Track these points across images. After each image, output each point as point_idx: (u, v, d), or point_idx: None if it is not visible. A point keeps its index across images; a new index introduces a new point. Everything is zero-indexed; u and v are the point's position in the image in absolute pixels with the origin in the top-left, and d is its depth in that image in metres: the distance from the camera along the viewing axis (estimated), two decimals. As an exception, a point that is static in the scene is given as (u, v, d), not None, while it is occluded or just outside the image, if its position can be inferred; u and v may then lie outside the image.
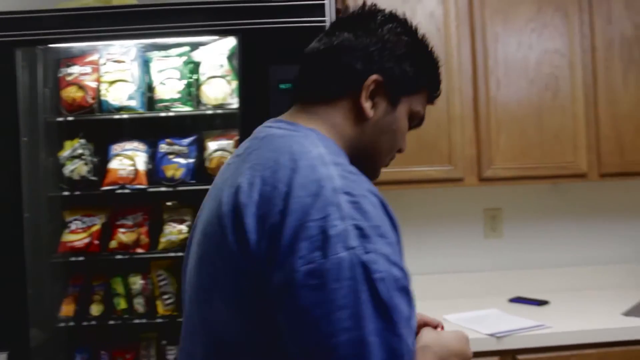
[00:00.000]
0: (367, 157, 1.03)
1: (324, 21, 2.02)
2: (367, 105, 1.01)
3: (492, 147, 2.45)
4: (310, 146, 0.92)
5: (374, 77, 1.00)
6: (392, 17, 1.08)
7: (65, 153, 2.27)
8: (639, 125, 2.54)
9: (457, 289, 2.76)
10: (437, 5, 2.45)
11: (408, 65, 1.04)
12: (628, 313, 2.32)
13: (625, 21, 2.56)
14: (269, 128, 1.02)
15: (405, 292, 0.85)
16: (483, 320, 2.27)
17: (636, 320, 2.22)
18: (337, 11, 2.22)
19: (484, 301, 2.65)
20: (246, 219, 0.85)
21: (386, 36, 1.04)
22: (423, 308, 2.63)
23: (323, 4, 2.05)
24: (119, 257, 2.24)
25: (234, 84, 2.22)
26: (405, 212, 2.76)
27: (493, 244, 2.83)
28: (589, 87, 2.54)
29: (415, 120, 1.11)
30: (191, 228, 1.11)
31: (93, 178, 2.27)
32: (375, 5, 1.10)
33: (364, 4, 1.10)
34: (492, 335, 2.07)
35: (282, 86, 2.02)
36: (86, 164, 2.27)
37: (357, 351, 0.77)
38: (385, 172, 2.39)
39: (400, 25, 1.07)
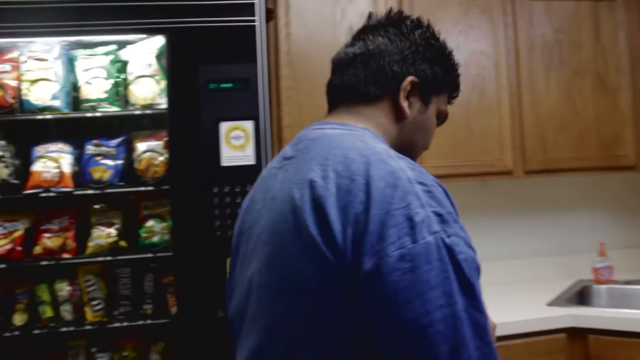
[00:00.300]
0: (405, 152, 1.03)
1: (253, 20, 2.01)
2: (405, 104, 1.08)
3: (423, 146, 2.50)
4: (372, 142, 0.97)
5: (410, 78, 1.08)
6: (420, 23, 1.16)
7: (-16, 156, 2.16)
8: (559, 124, 2.66)
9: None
10: (368, 7, 2.48)
11: (438, 68, 1.12)
12: (552, 303, 2.42)
13: (546, 25, 2.68)
14: (321, 130, 1.05)
15: (479, 272, 0.90)
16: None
17: (559, 310, 2.31)
18: (268, 11, 2.22)
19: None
20: (328, 210, 0.88)
21: (418, 40, 1.11)
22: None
23: (253, 4, 2.04)
24: (44, 263, 2.14)
25: (163, 83, 2.17)
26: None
27: (425, 240, 2.89)
28: (514, 87, 2.63)
29: (441, 118, 1.18)
30: (234, 235, 1.14)
31: (14, 181, 2.16)
32: (401, 12, 1.18)
33: (391, 10, 1.18)
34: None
35: (212, 86, 2.00)
36: (7, 166, 2.16)
37: (452, 325, 0.82)
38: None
39: (428, 31, 1.15)
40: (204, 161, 2.02)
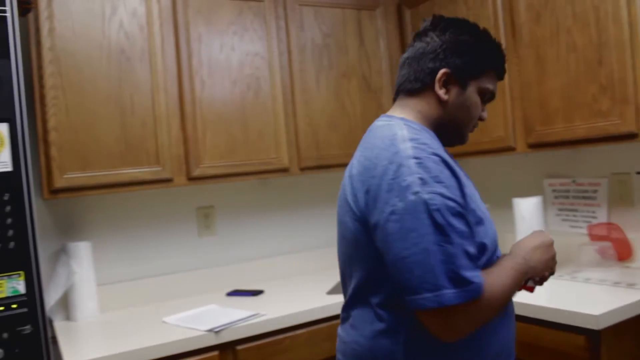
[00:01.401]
0: (452, 128, 1.43)
1: (4, 11, 1.82)
2: (441, 92, 1.39)
3: (199, 146, 2.48)
4: (397, 129, 1.33)
5: (442, 70, 1.38)
6: (452, 23, 1.43)
7: None
8: (330, 122, 2.82)
9: (175, 289, 2.75)
10: (140, 4, 2.38)
11: (469, 57, 1.39)
12: (331, 292, 2.56)
13: (315, 29, 2.82)
14: (375, 122, 1.44)
15: (461, 216, 1.22)
16: (202, 317, 2.29)
17: (338, 297, 2.45)
18: (24, 1, 2.03)
19: (203, 298, 2.68)
20: (355, 184, 1.33)
21: (449, 38, 1.40)
22: (143, 313, 2.58)
23: (5, -6, 1.84)
24: None
25: None
26: (117, 217, 2.65)
27: (208, 241, 2.88)
28: (287, 87, 2.73)
29: (487, 95, 1.45)
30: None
31: None
32: (441, 16, 1.46)
33: (434, 16, 1.47)
34: (210, 330, 2.10)
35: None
36: None
37: (423, 256, 1.17)
38: (90, 177, 2.26)
39: (460, 28, 1.42)
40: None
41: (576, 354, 1.93)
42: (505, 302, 1.29)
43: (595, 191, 2.64)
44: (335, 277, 2.77)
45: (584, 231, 2.68)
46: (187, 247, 2.82)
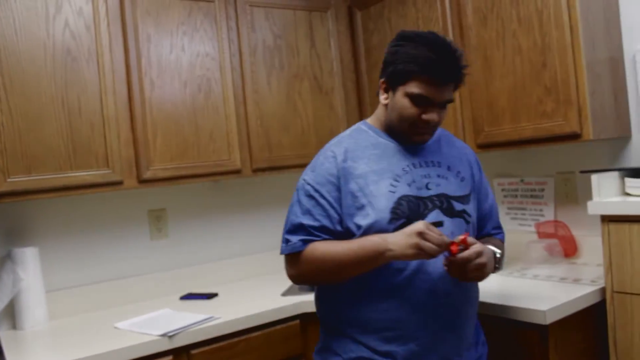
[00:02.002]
0: (394, 127, 1.72)
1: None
2: (381, 98, 1.74)
3: (149, 148, 2.44)
4: (346, 132, 1.82)
5: (381, 80, 1.73)
6: (396, 36, 1.69)
7: None
8: (282, 123, 2.82)
9: (128, 294, 2.70)
10: (87, 3, 2.32)
11: (394, 67, 1.64)
12: (285, 293, 2.56)
13: (266, 30, 2.81)
14: None
15: (307, 194, 1.70)
16: (155, 321, 2.25)
17: (292, 299, 2.45)
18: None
19: (156, 303, 2.64)
20: None
21: (387, 51, 1.69)
22: (94, 319, 2.52)
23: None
24: None
25: None
26: (65, 221, 2.58)
27: (160, 244, 2.83)
28: (238, 89, 2.71)
29: (417, 99, 1.62)
30: None
31: None
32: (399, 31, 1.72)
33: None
34: (163, 335, 2.07)
35: None
36: None
37: (289, 217, 1.73)
38: (35, 180, 2.19)
39: (396, 40, 1.67)
40: None
41: (526, 348, 1.99)
42: (334, 265, 1.62)
43: (542, 190, 2.72)
44: (289, 279, 2.76)
45: (532, 229, 2.76)
46: (139, 250, 2.77)
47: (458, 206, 1.71)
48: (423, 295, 1.62)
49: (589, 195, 2.16)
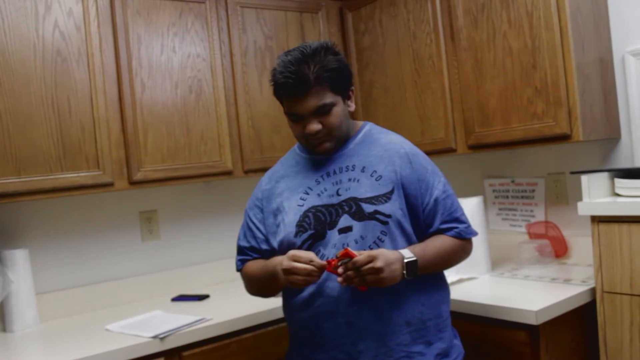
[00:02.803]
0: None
1: None
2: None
3: (140, 149, 2.43)
4: None
5: None
6: None
7: None
8: (273, 124, 2.81)
9: (119, 296, 2.69)
10: (76, 3, 2.31)
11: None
12: (277, 295, 2.55)
13: (257, 31, 2.81)
14: None
15: (244, 218, 1.86)
16: (146, 323, 2.24)
17: (283, 300, 2.45)
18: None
19: (147, 304, 2.63)
20: None
21: None
22: (84, 322, 2.51)
23: None
24: None
25: None
26: (56, 223, 2.57)
27: (151, 246, 2.82)
28: (230, 90, 2.71)
29: (292, 117, 1.70)
30: None
31: None
32: None
33: None
34: (155, 337, 2.06)
35: None
36: None
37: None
38: (25, 182, 2.18)
39: None
40: None
41: (517, 348, 2.00)
42: (257, 283, 1.78)
43: (533, 191, 2.74)
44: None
45: (523, 230, 2.78)
46: (130, 252, 2.76)
47: (368, 208, 1.65)
48: (332, 304, 1.62)
49: (579, 196, 2.18)
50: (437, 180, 1.74)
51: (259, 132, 2.77)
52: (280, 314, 2.36)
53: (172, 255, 2.88)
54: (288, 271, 1.55)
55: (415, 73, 2.76)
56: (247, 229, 1.83)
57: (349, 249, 1.53)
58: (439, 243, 1.68)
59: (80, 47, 2.31)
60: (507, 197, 2.86)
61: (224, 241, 3.03)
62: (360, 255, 1.50)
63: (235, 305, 2.43)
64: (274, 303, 2.41)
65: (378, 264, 1.49)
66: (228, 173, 2.67)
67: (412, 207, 1.69)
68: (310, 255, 1.55)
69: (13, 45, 2.17)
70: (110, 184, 2.36)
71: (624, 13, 2.37)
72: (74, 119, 2.28)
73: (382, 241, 1.63)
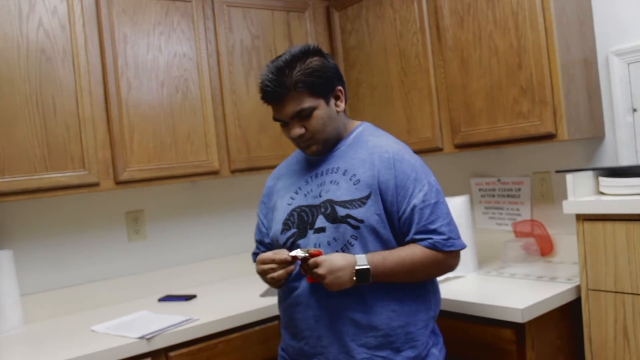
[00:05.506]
0: None
1: None
2: None
3: (126, 149, 2.41)
4: None
5: None
6: None
7: None
8: (259, 124, 2.81)
9: (106, 296, 2.67)
10: (61, 2, 2.29)
11: None
12: (264, 294, 2.55)
13: (244, 31, 2.80)
14: None
15: (260, 215, 1.94)
16: (132, 324, 2.23)
17: (271, 299, 2.45)
18: None
19: (134, 305, 2.61)
20: None
21: None
22: (70, 323, 2.49)
23: None
24: None
25: None
26: (41, 224, 2.54)
27: (138, 246, 2.81)
28: (216, 90, 2.70)
29: (279, 122, 1.75)
30: None
31: None
32: None
33: None
34: (141, 337, 2.05)
35: None
36: None
37: None
38: (9, 182, 2.16)
39: None
40: None
41: (503, 346, 2.01)
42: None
43: (518, 189, 2.75)
44: (268, 280, 2.76)
45: (509, 228, 2.79)
46: (117, 252, 2.75)
47: (342, 211, 1.66)
48: (305, 297, 1.71)
49: (564, 195, 2.19)
50: (418, 188, 1.66)
51: (245, 131, 2.77)
52: (267, 314, 2.37)
53: (158, 256, 2.87)
54: (260, 275, 1.70)
55: (401, 72, 2.77)
56: (258, 224, 1.95)
57: (321, 250, 1.64)
58: (405, 253, 1.64)
59: (65, 46, 2.30)
60: (494, 196, 2.87)
61: (211, 241, 3.02)
62: (312, 258, 1.60)
63: (222, 306, 2.43)
64: (261, 302, 2.41)
65: (320, 271, 1.58)
66: (215, 173, 2.67)
67: (389, 213, 1.66)
68: (273, 255, 1.65)
69: (-3, 45, 2.15)
70: (96, 184, 2.34)
71: (608, 14, 2.39)
72: (59, 118, 2.26)
73: (352, 245, 1.65)
